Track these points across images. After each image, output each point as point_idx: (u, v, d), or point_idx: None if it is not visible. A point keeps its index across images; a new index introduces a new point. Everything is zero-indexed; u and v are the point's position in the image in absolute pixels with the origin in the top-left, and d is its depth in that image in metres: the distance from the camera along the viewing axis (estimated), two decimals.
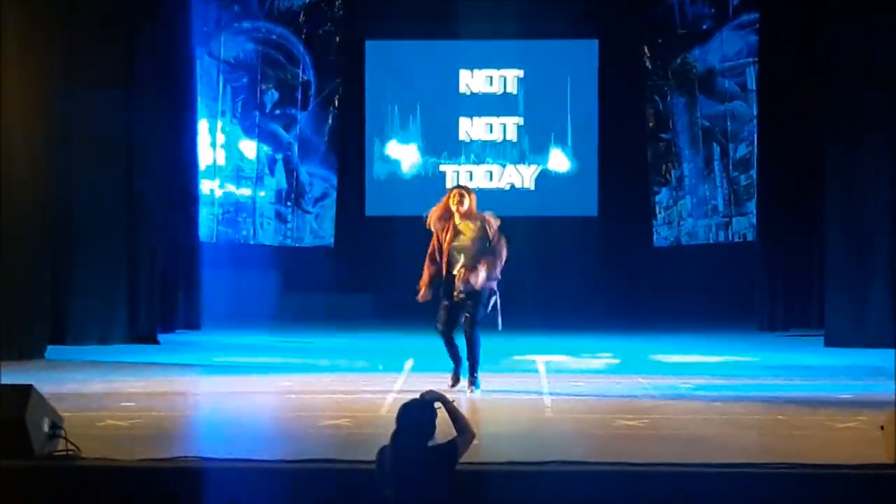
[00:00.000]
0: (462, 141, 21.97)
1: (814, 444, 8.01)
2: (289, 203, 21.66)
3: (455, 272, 10.49)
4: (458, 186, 11.10)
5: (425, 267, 10.69)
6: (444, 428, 6.57)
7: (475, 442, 6.76)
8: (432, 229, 10.72)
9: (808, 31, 16.33)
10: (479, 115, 21.92)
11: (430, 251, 10.70)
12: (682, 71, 21.26)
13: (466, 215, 10.63)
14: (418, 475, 6.25)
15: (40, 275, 13.67)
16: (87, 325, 14.74)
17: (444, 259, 10.56)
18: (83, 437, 7.65)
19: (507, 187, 21.85)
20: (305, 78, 21.63)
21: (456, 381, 10.63)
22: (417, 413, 6.41)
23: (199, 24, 19.61)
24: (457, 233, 10.59)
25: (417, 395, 6.61)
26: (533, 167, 21.98)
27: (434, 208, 10.76)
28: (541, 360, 13.14)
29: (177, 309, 16.97)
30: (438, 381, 10.38)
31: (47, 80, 13.80)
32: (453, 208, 10.61)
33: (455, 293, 10.47)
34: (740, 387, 11.08)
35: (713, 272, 20.34)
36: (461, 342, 10.62)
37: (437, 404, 6.52)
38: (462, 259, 10.50)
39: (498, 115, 21.96)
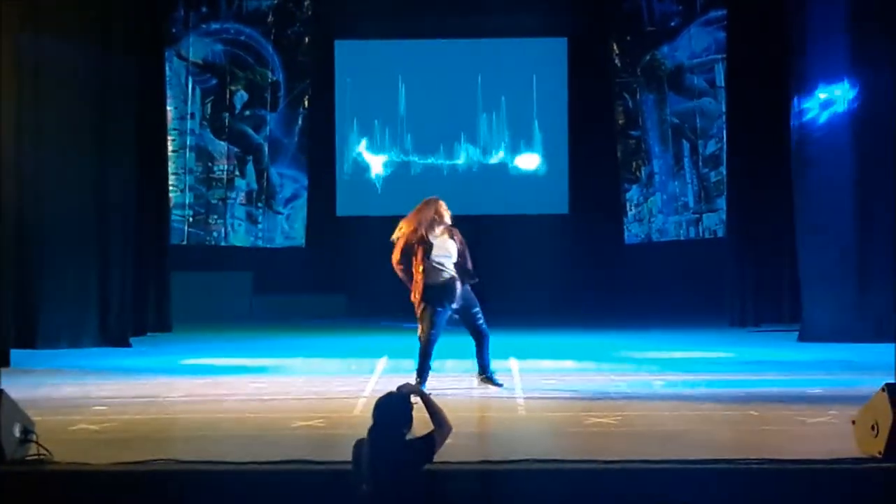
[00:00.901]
0: (432, 140, 21.97)
1: (786, 439, 8.04)
2: (259, 204, 21.63)
3: (445, 280, 10.52)
4: (433, 199, 10.98)
5: (403, 272, 10.67)
6: (421, 422, 6.56)
7: (448, 441, 6.74)
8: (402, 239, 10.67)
9: (775, 27, 16.37)
10: (449, 114, 21.92)
11: (399, 258, 10.67)
12: (650, 68, 21.31)
13: (442, 226, 10.67)
14: (395, 469, 6.24)
15: (8, 278, 13.59)
16: (57, 328, 14.66)
17: (423, 270, 10.52)
18: (55, 441, 7.60)
19: (478, 185, 21.85)
20: (275, 79, 21.60)
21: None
22: (394, 406, 6.39)
23: (168, 26, 19.58)
24: (434, 244, 10.56)
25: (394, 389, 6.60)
26: (503, 165, 22.00)
27: (408, 227, 10.68)
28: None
29: (148, 311, 16.89)
30: (411, 380, 10.37)
31: (16, 88, 13.73)
32: (426, 224, 10.59)
33: (454, 301, 10.54)
34: (713, 382, 11.11)
35: (684, 268, 20.41)
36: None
37: (414, 398, 6.50)
38: (450, 267, 10.54)
39: (468, 114, 21.96)
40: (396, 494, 6.21)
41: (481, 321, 10.73)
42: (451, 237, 10.69)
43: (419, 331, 10.59)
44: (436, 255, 10.52)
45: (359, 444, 6.38)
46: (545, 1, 21.41)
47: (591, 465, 7.21)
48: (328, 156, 22.06)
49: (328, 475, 7.00)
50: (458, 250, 10.64)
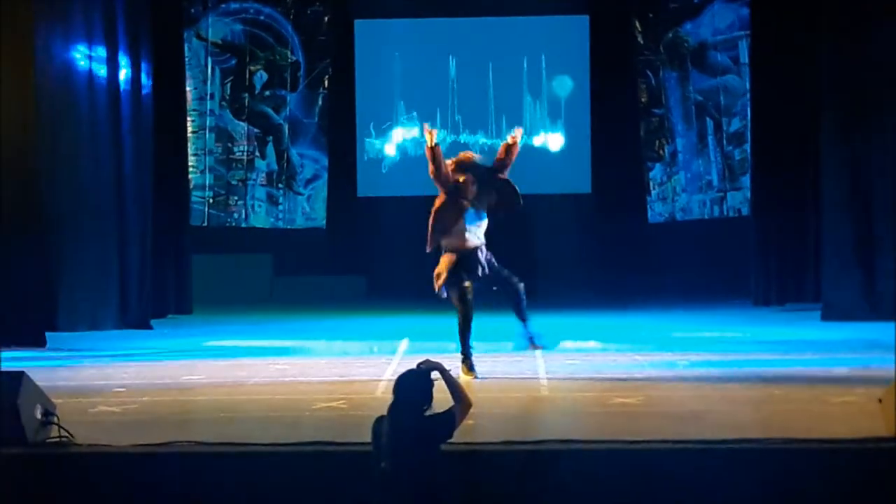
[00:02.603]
0: (454, 119, 21.91)
1: (811, 419, 7.98)
2: (280, 185, 21.60)
3: (472, 246, 10.30)
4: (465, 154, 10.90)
5: (434, 237, 10.36)
6: (442, 401, 6.52)
7: (470, 422, 6.70)
8: (447, 179, 10.42)
9: (799, 2, 16.25)
10: (470, 92, 21.85)
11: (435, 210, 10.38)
12: (674, 45, 21.19)
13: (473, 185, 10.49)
14: (415, 445, 6.20)
15: (31, 261, 13.59)
16: (78, 310, 14.65)
17: (455, 236, 10.28)
18: (76, 423, 7.60)
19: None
20: (294, 59, 21.55)
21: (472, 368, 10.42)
22: (414, 383, 6.36)
23: (187, 6, 19.57)
24: (466, 207, 10.34)
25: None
26: (525, 145, 21.94)
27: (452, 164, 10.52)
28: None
29: (168, 294, 16.89)
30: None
31: (35, 69, 13.71)
32: (462, 182, 10.42)
33: (480, 270, 10.31)
34: (737, 362, 11.04)
35: (708, 247, 20.31)
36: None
37: (435, 374, 6.46)
38: (479, 233, 10.38)
39: (488, 92, 21.89)
40: (416, 472, 6.17)
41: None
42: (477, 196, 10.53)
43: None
44: (466, 219, 10.41)
45: (378, 422, 6.35)
46: None
47: (613, 446, 7.17)
48: (349, 136, 22.01)
49: (349, 457, 6.98)
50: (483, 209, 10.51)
